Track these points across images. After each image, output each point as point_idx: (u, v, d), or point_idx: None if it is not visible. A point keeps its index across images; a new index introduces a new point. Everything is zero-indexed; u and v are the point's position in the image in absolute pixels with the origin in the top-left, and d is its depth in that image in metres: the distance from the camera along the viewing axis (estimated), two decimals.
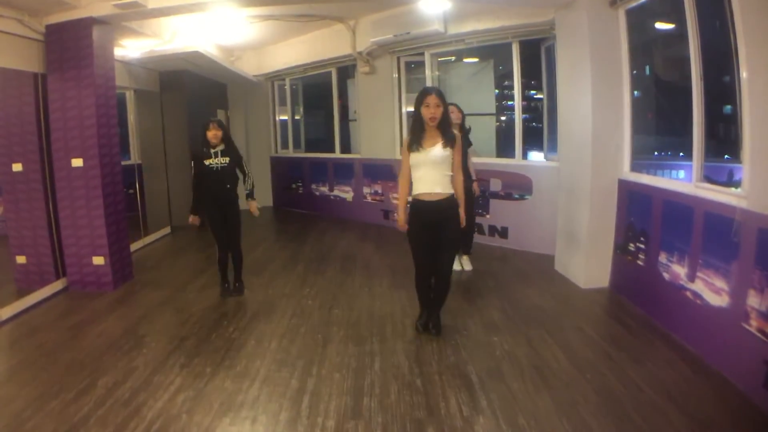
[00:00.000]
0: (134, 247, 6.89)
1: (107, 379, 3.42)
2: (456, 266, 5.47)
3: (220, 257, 5.07)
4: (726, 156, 5.60)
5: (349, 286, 5.33)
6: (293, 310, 4.68)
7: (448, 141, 3.73)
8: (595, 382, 3.26)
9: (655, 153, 6.09)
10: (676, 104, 5.55)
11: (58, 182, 5.20)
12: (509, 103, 9.18)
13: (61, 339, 4.12)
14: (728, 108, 4.87)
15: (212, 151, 4.82)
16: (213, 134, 4.79)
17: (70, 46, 5.02)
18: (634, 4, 4.60)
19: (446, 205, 3.76)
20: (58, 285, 5.29)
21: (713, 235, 3.52)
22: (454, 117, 4.88)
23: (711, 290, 3.50)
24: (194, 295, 5.17)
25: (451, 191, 3.79)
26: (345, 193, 9.15)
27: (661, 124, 5.92)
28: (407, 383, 3.30)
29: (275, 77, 10.10)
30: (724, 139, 5.51)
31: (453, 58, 8.19)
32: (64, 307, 4.88)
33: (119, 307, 4.87)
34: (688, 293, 3.75)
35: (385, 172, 8.28)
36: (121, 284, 5.44)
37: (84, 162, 5.13)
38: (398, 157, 7.82)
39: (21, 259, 5.32)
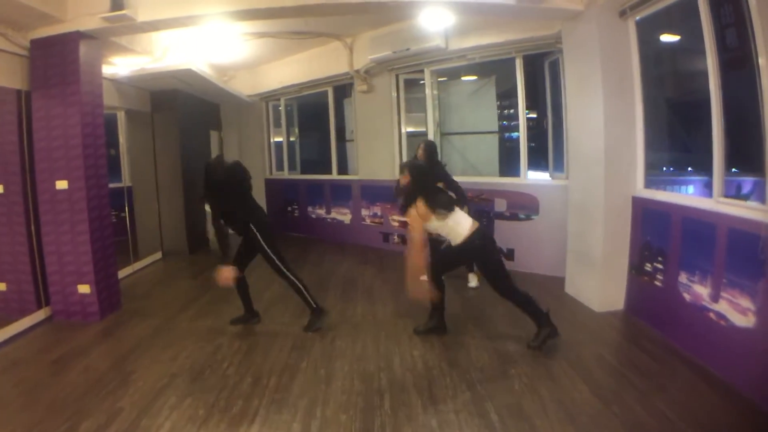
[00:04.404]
0: (123, 273, 6.66)
1: (90, 423, 3.14)
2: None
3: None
4: (733, 169, 5.45)
5: (352, 314, 5.05)
6: (293, 341, 4.39)
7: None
8: (623, 416, 3.05)
9: (664, 168, 5.92)
10: (685, 118, 5.41)
11: (41, 205, 4.97)
12: (504, 122, 9.07)
13: (42, 375, 3.85)
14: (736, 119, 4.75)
15: None
16: None
17: (56, 61, 4.84)
18: (644, 14, 4.47)
19: None
20: (41, 314, 5.02)
21: (738, 252, 3.38)
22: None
23: (737, 310, 3.36)
24: (186, 325, 4.88)
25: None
26: (343, 215, 8.90)
27: (668, 138, 5.74)
28: (421, 424, 3.05)
29: (270, 97, 9.91)
30: (732, 153, 5.36)
31: (445, 78, 7.99)
32: (47, 339, 4.60)
33: (106, 340, 4.58)
34: (712, 314, 3.59)
35: (385, 194, 8.04)
36: (108, 314, 5.16)
37: (69, 184, 4.91)
38: (397, 177, 7.71)
39: (0, 287, 5.08)
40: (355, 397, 3.38)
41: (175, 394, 3.50)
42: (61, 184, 4.92)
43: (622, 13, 4.57)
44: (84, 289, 5.01)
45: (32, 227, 4.99)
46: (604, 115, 4.67)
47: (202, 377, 3.76)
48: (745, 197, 3.62)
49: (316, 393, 3.47)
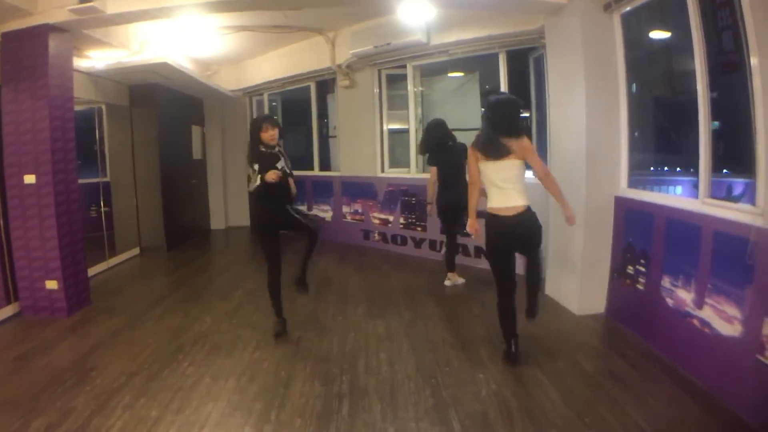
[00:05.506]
0: (98, 269, 6.59)
1: (41, 422, 3.04)
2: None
3: (271, 282, 4.32)
4: (725, 170, 5.37)
5: (322, 314, 4.92)
6: (258, 341, 4.27)
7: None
8: (595, 427, 2.89)
9: (651, 168, 5.82)
10: (674, 117, 5.30)
11: (9, 200, 4.89)
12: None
13: (3, 372, 3.77)
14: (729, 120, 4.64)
15: (273, 152, 4.10)
16: (270, 135, 4.07)
17: (26, 54, 4.75)
18: (629, 8, 4.34)
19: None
20: (9, 310, 4.95)
21: (724, 256, 3.23)
22: None
23: (722, 318, 3.22)
24: (152, 323, 4.76)
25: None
26: (324, 212, 8.80)
27: (656, 138, 5.64)
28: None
29: (253, 92, 9.82)
30: (725, 154, 5.28)
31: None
32: (13, 335, 4.53)
33: (70, 336, 4.48)
34: (696, 321, 3.45)
35: (366, 191, 7.95)
36: (76, 310, 5.07)
37: (37, 179, 4.82)
38: (379, 174, 7.72)
39: None
40: (313, 401, 3.25)
41: (131, 394, 3.39)
42: (29, 179, 4.84)
43: (607, 7, 4.44)
44: (51, 285, 4.92)
45: (0, 222, 4.91)
46: (586, 112, 4.55)
47: (160, 377, 3.65)
48: (736, 199, 3.48)
49: (274, 395, 3.34)
